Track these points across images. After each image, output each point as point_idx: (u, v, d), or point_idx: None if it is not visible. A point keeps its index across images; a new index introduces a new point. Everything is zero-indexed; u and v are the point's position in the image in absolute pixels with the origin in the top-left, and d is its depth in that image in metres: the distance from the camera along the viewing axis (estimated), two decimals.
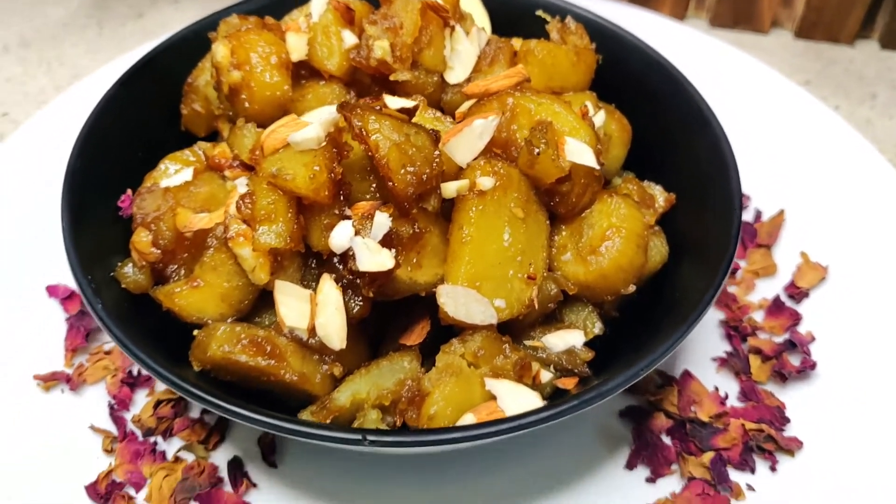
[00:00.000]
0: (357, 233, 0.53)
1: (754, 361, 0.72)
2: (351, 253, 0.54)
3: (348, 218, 0.56)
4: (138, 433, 0.67)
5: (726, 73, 0.96)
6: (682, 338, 0.55)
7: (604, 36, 0.76)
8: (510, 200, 0.58)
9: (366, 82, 0.66)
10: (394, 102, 0.55)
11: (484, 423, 0.51)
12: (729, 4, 1.07)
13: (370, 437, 0.49)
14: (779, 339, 0.73)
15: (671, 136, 0.72)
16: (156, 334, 0.59)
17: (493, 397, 0.56)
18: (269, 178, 0.55)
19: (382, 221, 0.53)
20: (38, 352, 0.71)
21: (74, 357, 0.71)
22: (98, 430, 0.67)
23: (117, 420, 0.67)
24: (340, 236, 0.54)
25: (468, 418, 0.55)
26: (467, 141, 0.58)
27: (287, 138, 0.55)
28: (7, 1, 1.11)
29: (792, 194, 0.84)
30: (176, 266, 0.60)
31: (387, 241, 0.53)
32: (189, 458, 0.66)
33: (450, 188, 0.57)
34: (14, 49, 1.04)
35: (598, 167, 0.60)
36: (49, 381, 0.69)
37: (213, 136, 0.74)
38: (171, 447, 0.66)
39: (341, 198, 0.57)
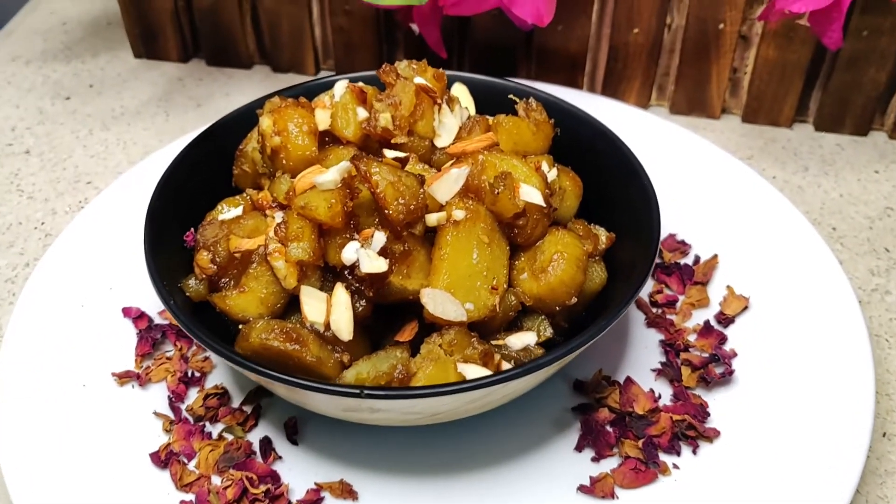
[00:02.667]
0: (361, 246, 0.73)
1: (685, 371, 0.88)
2: (357, 263, 0.73)
3: (356, 240, 0.76)
4: (191, 419, 0.84)
5: (680, 151, 1.16)
6: (609, 324, 0.73)
7: (562, 112, 0.96)
8: (478, 229, 0.77)
9: (374, 146, 0.87)
10: (390, 154, 0.76)
11: (450, 383, 0.69)
12: (684, 94, 1.28)
13: (366, 391, 0.66)
14: (707, 355, 0.90)
15: (612, 187, 0.91)
16: (210, 331, 0.78)
17: (463, 377, 0.74)
18: (299, 210, 0.75)
19: (380, 238, 0.72)
20: (115, 357, 0.89)
21: (143, 361, 0.89)
22: (160, 415, 0.84)
23: (175, 409, 0.85)
24: (349, 251, 0.74)
25: None
26: (446, 184, 0.78)
27: (313, 181, 0.76)
28: (94, 95, 1.36)
29: (726, 243, 1.02)
30: (227, 279, 0.80)
31: (383, 253, 0.73)
32: (229, 437, 0.83)
33: (432, 218, 0.76)
34: (97, 132, 1.28)
35: (545, 206, 0.79)
36: (123, 377, 0.87)
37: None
38: (216, 429, 0.83)
39: (352, 226, 0.77)
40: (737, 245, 1.02)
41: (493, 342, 0.79)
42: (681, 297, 0.97)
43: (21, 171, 1.21)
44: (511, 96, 0.96)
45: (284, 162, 0.85)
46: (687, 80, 1.26)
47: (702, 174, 1.12)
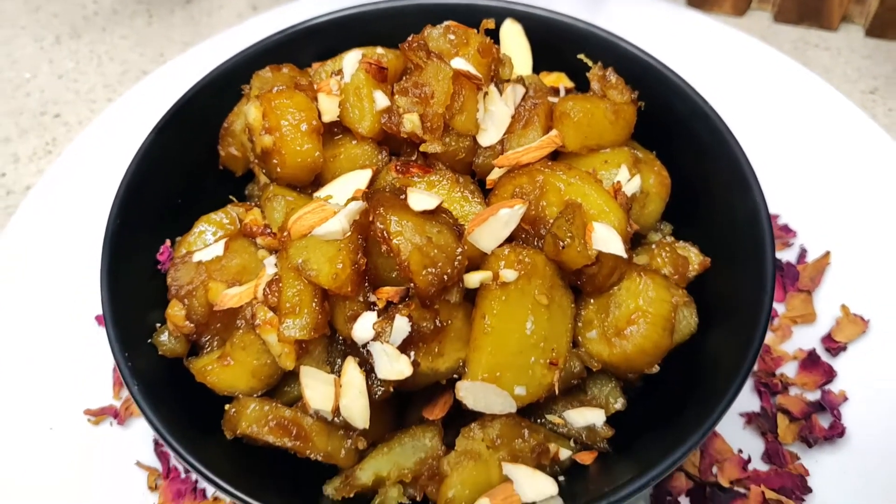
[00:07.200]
0: (377, 337, 0.54)
1: (782, 421, 0.71)
2: (371, 353, 0.55)
3: (373, 305, 0.57)
4: (181, 468, 0.71)
5: (787, 95, 0.91)
6: (705, 435, 0.56)
7: (648, 75, 0.73)
8: (534, 288, 0.58)
9: (398, 140, 0.66)
10: (417, 203, 0.55)
11: None
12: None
13: None
14: (810, 396, 0.73)
15: (710, 191, 0.69)
16: (192, 394, 0.62)
17: (510, 480, 0.58)
18: (295, 267, 0.56)
19: (402, 327, 0.54)
20: (89, 379, 0.74)
21: (122, 390, 0.75)
22: (144, 466, 0.71)
23: (161, 455, 0.72)
24: (362, 331, 0.55)
25: (483, 502, 0.57)
26: (492, 229, 0.58)
27: (313, 231, 0.56)
28: None
29: (840, 233, 0.81)
30: (209, 336, 0.62)
31: (407, 343, 0.54)
32: (226, 498, 0.70)
33: (473, 279, 0.57)
34: (65, 41, 1.05)
35: (625, 256, 0.59)
36: (98, 415, 0.73)
37: (251, 175, 0.75)
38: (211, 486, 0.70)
39: (366, 283, 0.58)
40: (855, 239, 0.81)
41: (549, 417, 0.62)
42: (780, 308, 0.78)
43: None
44: (583, 57, 0.72)
45: (279, 169, 0.64)
46: None
47: (813, 130, 0.89)
